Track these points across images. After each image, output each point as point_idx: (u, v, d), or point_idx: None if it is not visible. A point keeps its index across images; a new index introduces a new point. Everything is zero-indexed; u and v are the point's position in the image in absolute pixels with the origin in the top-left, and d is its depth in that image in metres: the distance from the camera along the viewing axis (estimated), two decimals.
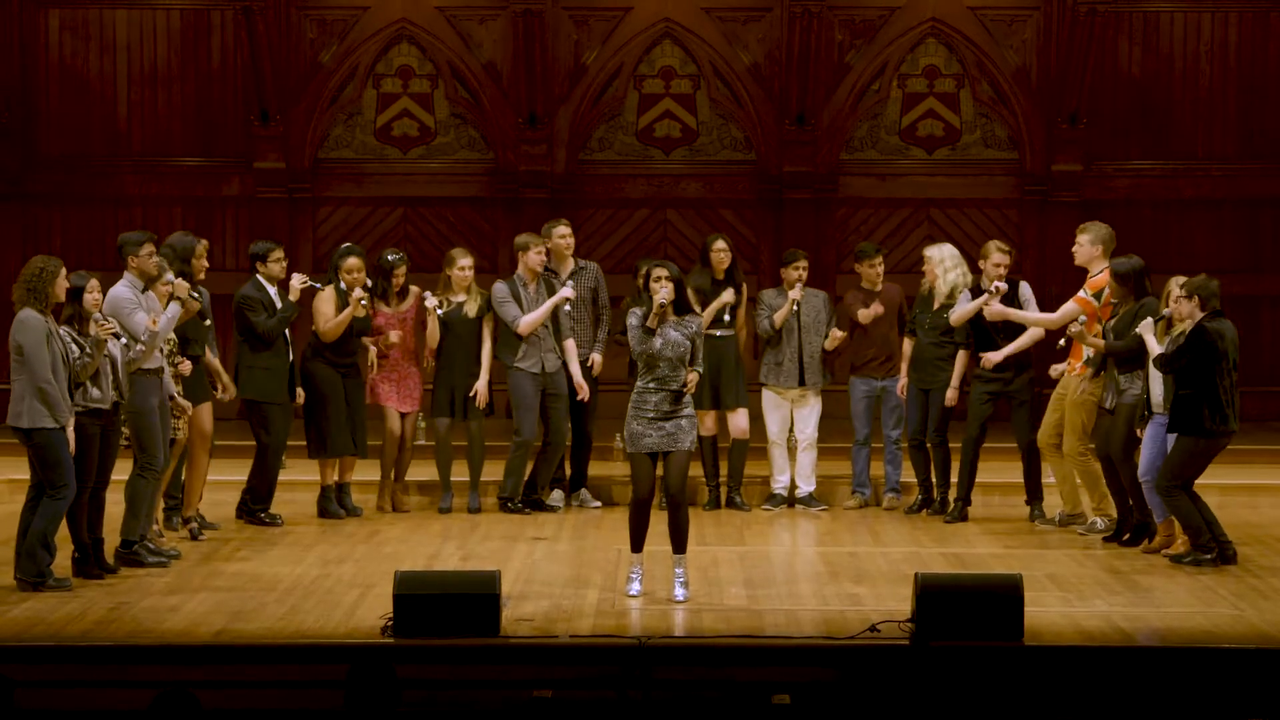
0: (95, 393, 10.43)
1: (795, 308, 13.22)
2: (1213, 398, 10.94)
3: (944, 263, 13.03)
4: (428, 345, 13.08)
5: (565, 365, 13.09)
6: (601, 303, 13.41)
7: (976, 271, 12.92)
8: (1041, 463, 12.76)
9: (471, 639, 9.10)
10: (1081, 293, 12.29)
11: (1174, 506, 11.16)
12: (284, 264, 12.64)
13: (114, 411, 10.64)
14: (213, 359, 12.25)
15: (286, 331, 12.55)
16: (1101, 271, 12.26)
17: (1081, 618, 9.80)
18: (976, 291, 12.72)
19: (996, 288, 12.60)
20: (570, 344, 13.10)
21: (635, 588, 10.19)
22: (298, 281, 12.54)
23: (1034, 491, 12.90)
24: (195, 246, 11.88)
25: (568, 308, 13.08)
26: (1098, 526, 12.32)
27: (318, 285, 12.70)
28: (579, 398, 13.02)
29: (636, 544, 10.25)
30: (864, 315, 13.24)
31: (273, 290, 12.51)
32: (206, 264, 12.09)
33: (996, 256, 12.73)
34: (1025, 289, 12.89)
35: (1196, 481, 11.19)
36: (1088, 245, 12.45)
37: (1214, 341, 10.93)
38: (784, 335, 13.26)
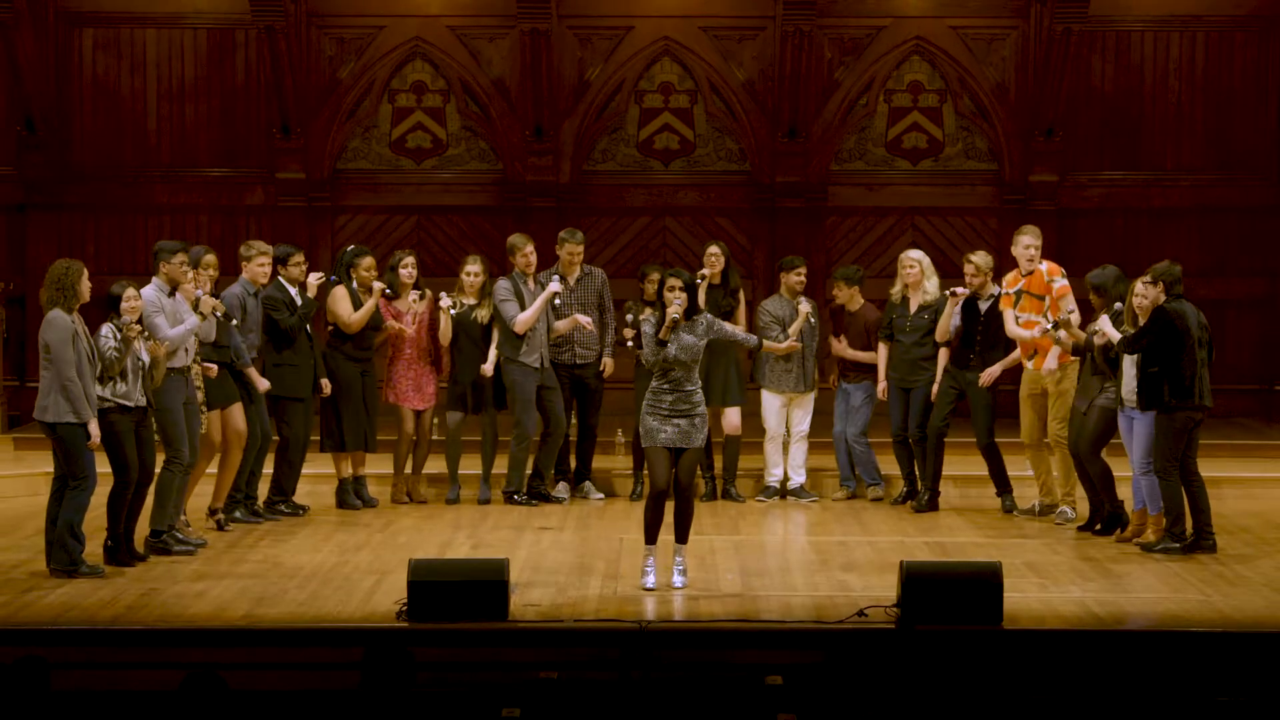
0: (122, 386, 10.45)
1: (810, 322, 13.24)
2: (1175, 375, 10.93)
3: (929, 267, 13.11)
4: (441, 343, 13.11)
5: (562, 359, 13.22)
6: (606, 308, 13.43)
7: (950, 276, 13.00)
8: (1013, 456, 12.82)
9: (481, 623, 9.11)
10: (1002, 293, 12.44)
11: (1168, 489, 11.10)
12: (304, 267, 12.73)
13: (144, 412, 10.65)
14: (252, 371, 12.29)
15: (308, 329, 12.60)
16: (1032, 273, 12.36)
17: (1058, 603, 9.81)
18: (966, 306, 12.81)
19: (953, 292, 12.71)
20: (561, 323, 13.10)
21: (650, 580, 10.06)
22: (314, 279, 12.62)
23: (1002, 484, 12.90)
24: (203, 257, 11.86)
25: (557, 301, 13.11)
26: (1068, 515, 12.32)
27: (334, 278, 12.79)
28: (582, 323, 13.04)
29: (651, 536, 10.13)
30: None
31: (293, 290, 12.57)
32: (215, 274, 12.00)
33: (966, 267, 12.83)
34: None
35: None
36: (1040, 246, 12.52)
37: (1173, 320, 10.92)
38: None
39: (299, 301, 12.53)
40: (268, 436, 12.27)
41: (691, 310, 10.17)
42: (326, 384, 12.67)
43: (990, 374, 12.65)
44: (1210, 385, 11.12)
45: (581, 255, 13.41)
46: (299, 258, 12.70)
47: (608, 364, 13.35)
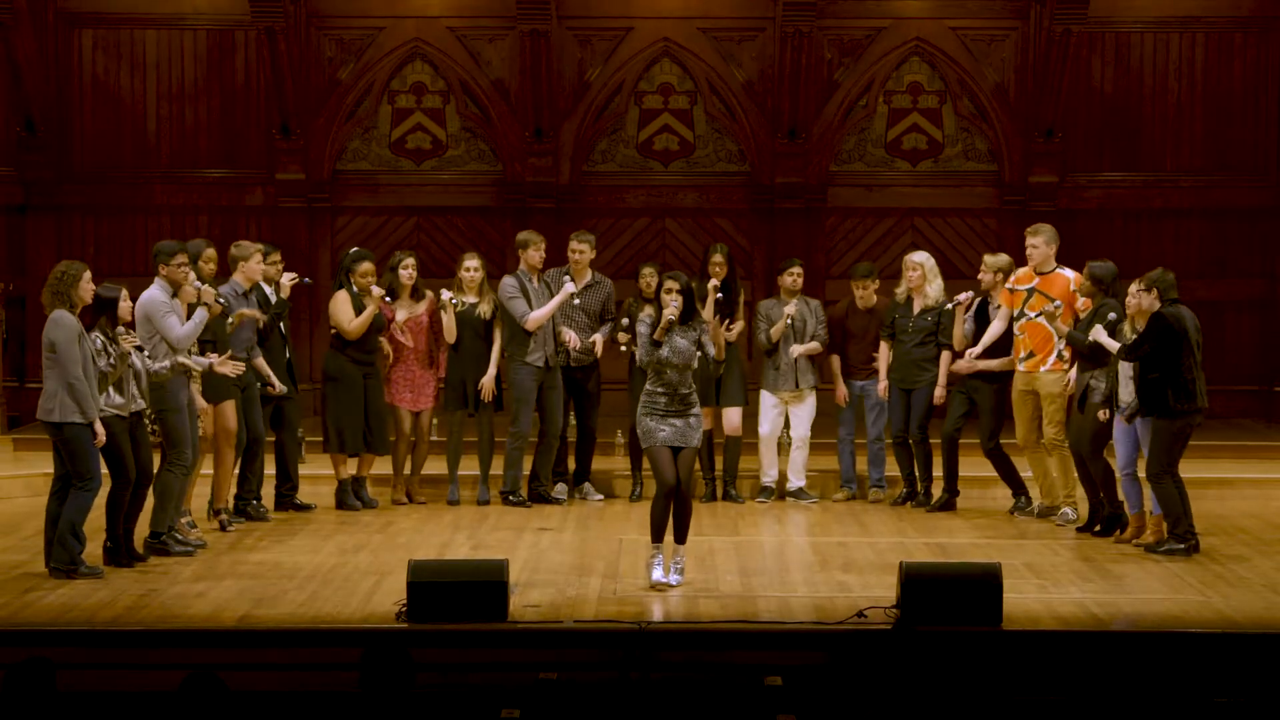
0: (117, 398, 10.44)
1: (789, 321, 13.24)
2: (1176, 379, 10.93)
3: (932, 270, 13.11)
4: (444, 339, 13.09)
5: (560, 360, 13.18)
6: (608, 315, 13.42)
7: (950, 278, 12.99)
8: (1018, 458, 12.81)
9: (481, 624, 9.11)
10: (1005, 287, 12.36)
11: (1162, 493, 11.09)
12: (280, 265, 12.70)
13: (137, 417, 10.63)
14: (260, 361, 12.27)
15: (282, 327, 12.57)
16: (1053, 270, 12.32)
17: (1057, 604, 9.81)
18: (979, 309, 12.82)
19: (956, 302, 12.74)
20: (564, 329, 13.10)
21: (658, 574, 10.09)
22: (287, 279, 12.59)
23: (1017, 487, 12.87)
24: (203, 250, 11.87)
25: (576, 301, 13.12)
26: (1069, 516, 12.32)
27: (307, 280, 12.86)
28: (566, 343, 13.04)
29: (658, 534, 10.15)
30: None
31: (268, 288, 12.53)
32: (214, 267, 12.02)
33: (981, 266, 12.86)
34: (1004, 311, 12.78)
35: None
36: (1043, 247, 12.45)
37: (1171, 325, 10.92)
38: (780, 343, 13.27)
39: (273, 299, 12.52)
40: (259, 439, 12.23)
41: (688, 314, 10.19)
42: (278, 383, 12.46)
43: (966, 367, 12.63)
44: (1205, 386, 11.14)
45: (589, 255, 13.38)
46: (276, 256, 12.71)
47: (596, 340, 13.30)
